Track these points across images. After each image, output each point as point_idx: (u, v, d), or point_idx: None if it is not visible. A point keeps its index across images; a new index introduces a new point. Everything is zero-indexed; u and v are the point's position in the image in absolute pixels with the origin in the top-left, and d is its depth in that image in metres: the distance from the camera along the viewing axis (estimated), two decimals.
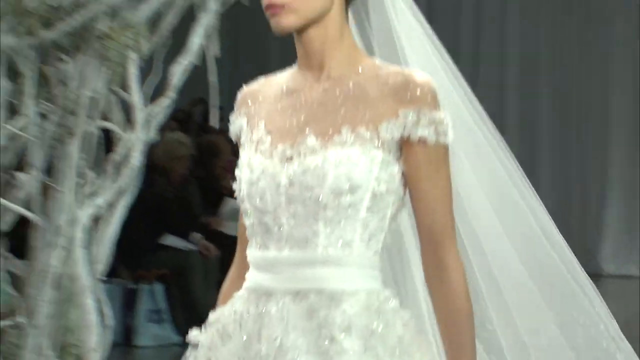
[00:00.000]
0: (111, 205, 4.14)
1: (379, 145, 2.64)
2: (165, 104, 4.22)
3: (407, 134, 2.62)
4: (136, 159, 4.21)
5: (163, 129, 4.67)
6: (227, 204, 8.40)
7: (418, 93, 2.64)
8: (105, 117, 4.23)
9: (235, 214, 8.74)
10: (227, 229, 8.33)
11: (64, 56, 4.12)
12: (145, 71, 4.30)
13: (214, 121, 4.58)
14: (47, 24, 4.01)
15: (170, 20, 4.23)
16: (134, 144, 4.20)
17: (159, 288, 8.67)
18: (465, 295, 2.68)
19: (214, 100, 4.39)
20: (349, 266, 2.68)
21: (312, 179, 2.63)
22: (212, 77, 4.27)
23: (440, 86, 2.74)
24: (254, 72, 2.95)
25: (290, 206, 2.64)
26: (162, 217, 7.73)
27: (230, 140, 2.78)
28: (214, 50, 4.25)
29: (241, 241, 2.78)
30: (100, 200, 4.06)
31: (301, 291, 2.62)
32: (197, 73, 4.37)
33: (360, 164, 2.63)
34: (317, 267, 2.65)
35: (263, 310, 2.63)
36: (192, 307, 7.73)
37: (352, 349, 2.60)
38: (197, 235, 8.46)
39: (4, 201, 4.01)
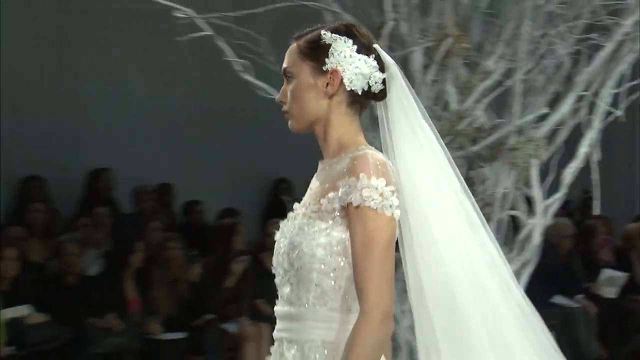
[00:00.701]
0: (517, 274, 4.59)
1: (322, 216, 2.67)
2: (559, 197, 4.82)
3: (342, 202, 2.63)
4: (536, 238, 4.80)
5: (555, 215, 5.13)
6: (604, 273, 9.27)
7: (353, 164, 2.65)
8: (513, 207, 4.79)
9: (611, 281, 9.38)
10: (603, 292, 9.34)
11: (483, 163, 4.72)
12: (543, 173, 4.89)
13: (595, 210, 5.16)
14: (473, 140, 4.60)
15: (563, 135, 4.82)
16: (535, 227, 4.76)
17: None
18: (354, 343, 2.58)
19: (597, 194, 4.93)
20: (306, 320, 2.71)
21: (283, 246, 2.76)
22: (595, 176, 4.83)
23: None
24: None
25: (278, 268, 2.79)
26: (552, 281, 8.51)
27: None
28: (596, 156, 4.79)
29: None
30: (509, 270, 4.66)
31: (285, 339, 2.75)
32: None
33: (303, 233, 2.69)
34: (292, 322, 2.75)
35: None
36: (577, 353, 8.28)
37: None
38: (579, 296, 9.20)
39: None
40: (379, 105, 2.77)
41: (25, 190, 9.45)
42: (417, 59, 4.33)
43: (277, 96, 2.77)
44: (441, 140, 2.80)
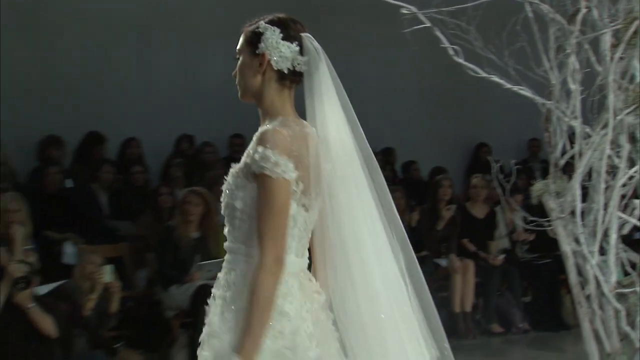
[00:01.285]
0: None
1: (244, 174, 2.69)
2: None
3: (250, 169, 2.65)
4: None
5: None
6: None
7: (258, 136, 2.68)
8: None
9: None
10: None
11: None
12: None
13: None
14: None
15: None
16: None
17: None
18: (254, 281, 2.58)
19: None
20: (236, 253, 2.73)
21: (223, 196, 2.78)
22: None
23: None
24: None
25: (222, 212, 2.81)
26: None
27: None
28: None
29: None
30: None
31: (226, 266, 2.77)
32: None
33: (231, 187, 2.74)
34: (229, 253, 2.77)
35: None
36: None
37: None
38: None
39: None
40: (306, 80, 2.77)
41: None
42: (607, 40, 4.09)
43: (482, 74, 2.65)
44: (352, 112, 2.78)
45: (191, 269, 6.86)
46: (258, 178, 2.64)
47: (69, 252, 7.24)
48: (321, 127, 2.74)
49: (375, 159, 2.89)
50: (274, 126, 2.69)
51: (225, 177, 2.81)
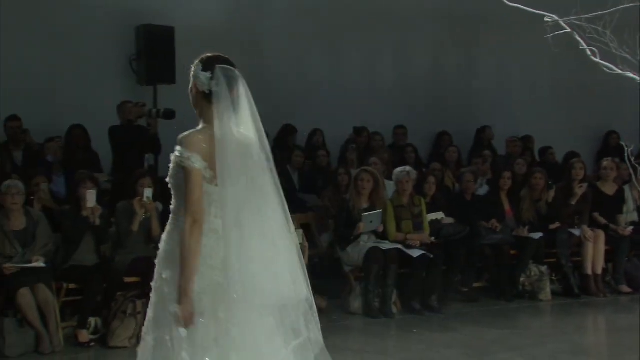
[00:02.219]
0: None
1: (174, 164, 2.91)
2: None
3: None
4: None
5: None
6: None
7: (179, 138, 2.92)
8: None
9: None
10: None
11: None
12: None
13: None
14: None
15: None
16: None
17: None
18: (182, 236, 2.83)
19: None
20: (175, 216, 2.95)
21: None
22: None
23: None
24: None
25: None
26: None
27: None
28: None
29: None
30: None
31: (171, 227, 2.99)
32: None
33: (170, 169, 2.95)
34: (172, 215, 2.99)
35: None
36: None
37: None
38: None
39: None
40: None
41: (439, 141, 9.58)
42: None
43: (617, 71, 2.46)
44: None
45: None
46: (181, 168, 2.93)
47: None
48: (219, 130, 2.95)
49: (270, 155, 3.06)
50: (191, 131, 2.99)
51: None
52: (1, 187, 5.76)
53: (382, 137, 8.98)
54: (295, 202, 7.82)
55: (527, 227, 7.55)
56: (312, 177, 8.30)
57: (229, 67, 3.09)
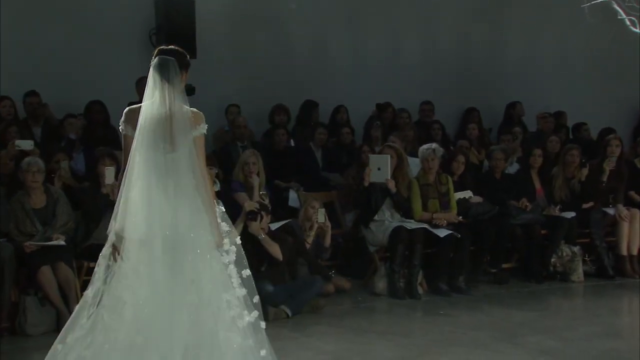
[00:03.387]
0: None
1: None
2: None
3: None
4: None
5: None
6: None
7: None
8: None
9: None
10: None
11: None
12: None
13: None
14: None
15: None
16: None
17: None
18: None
19: None
20: None
21: None
22: None
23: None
24: None
25: None
26: None
27: None
28: None
29: None
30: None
31: None
32: None
33: None
34: None
35: None
36: None
37: None
38: None
39: None
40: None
41: (466, 118, 9.51)
42: None
43: None
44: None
45: (381, 207, 6.81)
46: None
47: (293, 197, 7.47)
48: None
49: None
50: (129, 106, 3.68)
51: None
52: (22, 164, 5.83)
53: (408, 113, 8.93)
54: (318, 181, 7.87)
55: (558, 207, 7.49)
56: (336, 155, 8.30)
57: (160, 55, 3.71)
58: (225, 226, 3.55)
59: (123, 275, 3.35)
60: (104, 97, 7.60)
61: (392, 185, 6.75)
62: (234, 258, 3.50)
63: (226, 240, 3.52)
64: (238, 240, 3.55)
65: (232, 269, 3.46)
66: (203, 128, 3.59)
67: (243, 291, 3.43)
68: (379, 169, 6.68)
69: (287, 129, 8.25)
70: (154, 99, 3.57)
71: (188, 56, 3.76)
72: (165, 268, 3.33)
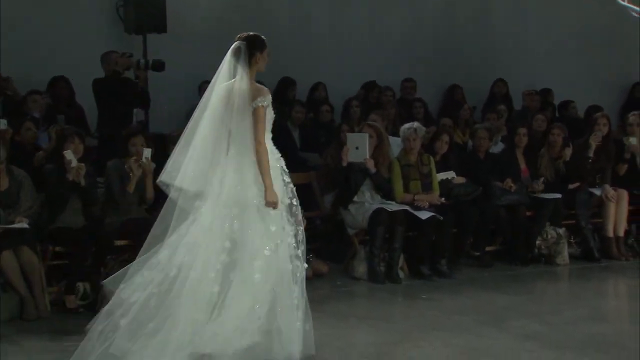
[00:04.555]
0: None
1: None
2: None
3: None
4: None
5: None
6: None
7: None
8: None
9: None
10: None
11: None
12: None
13: None
14: None
15: None
16: None
17: None
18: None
19: None
20: None
21: None
22: None
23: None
24: None
25: None
26: None
27: None
28: None
29: None
30: None
31: None
32: None
33: None
34: None
35: None
36: None
37: None
38: None
39: None
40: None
41: (450, 95, 9.55)
42: None
43: None
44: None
45: (361, 188, 6.83)
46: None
47: None
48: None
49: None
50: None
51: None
52: None
53: (393, 92, 8.94)
54: (295, 161, 7.79)
55: (542, 179, 7.51)
56: (314, 134, 8.28)
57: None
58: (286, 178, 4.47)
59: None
60: (68, 73, 7.52)
61: (371, 165, 6.75)
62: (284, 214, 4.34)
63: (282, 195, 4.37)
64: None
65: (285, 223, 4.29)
66: (261, 101, 4.41)
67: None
68: (357, 148, 6.67)
69: None
70: (228, 77, 4.41)
71: (261, 39, 4.62)
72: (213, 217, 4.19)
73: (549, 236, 7.40)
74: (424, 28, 9.62)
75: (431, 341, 4.92)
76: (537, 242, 7.39)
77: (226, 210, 4.26)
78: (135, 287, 4.10)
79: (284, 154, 7.53)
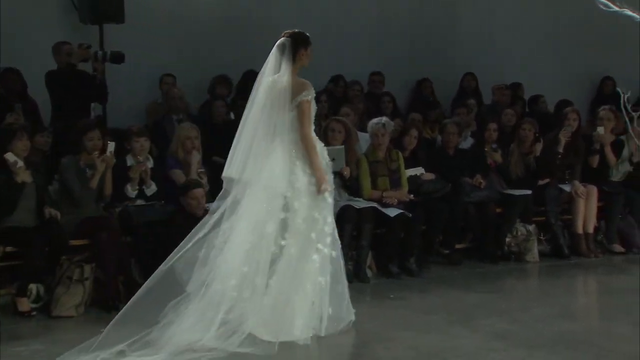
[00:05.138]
0: None
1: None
2: None
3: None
4: None
5: None
6: None
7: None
8: None
9: None
10: None
11: None
12: None
13: None
14: None
15: None
16: None
17: None
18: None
19: None
20: None
21: None
22: None
23: None
24: None
25: None
26: None
27: None
28: None
29: None
30: None
31: None
32: None
33: None
34: None
35: None
36: None
37: None
38: None
39: None
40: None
41: (419, 89, 9.58)
42: None
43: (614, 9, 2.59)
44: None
45: None
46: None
47: None
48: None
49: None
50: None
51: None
52: None
53: (361, 86, 8.94)
54: None
55: (494, 146, 7.62)
56: None
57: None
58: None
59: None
60: (20, 65, 7.36)
61: (347, 172, 6.74)
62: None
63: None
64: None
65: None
66: (305, 95, 4.79)
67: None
68: (333, 159, 6.69)
69: (227, 102, 8.15)
70: (274, 72, 4.81)
71: (305, 36, 5.02)
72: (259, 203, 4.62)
73: (519, 233, 7.46)
74: (392, 19, 9.62)
75: (400, 341, 4.92)
76: (507, 239, 7.44)
77: (275, 200, 4.67)
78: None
79: None
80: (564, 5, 10.04)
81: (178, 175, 6.49)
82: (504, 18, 10.15)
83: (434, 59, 9.72)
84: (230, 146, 7.50)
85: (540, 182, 7.71)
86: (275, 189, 4.70)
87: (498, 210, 7.48)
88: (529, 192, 7.54)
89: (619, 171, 8.01)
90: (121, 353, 4.24)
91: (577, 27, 10.08)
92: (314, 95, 4.86)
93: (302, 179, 4.77)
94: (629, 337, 4.92)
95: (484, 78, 9.72)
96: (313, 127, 4.82)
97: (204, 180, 6.37)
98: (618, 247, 7.78)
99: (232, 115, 8.12)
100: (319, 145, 4.91)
